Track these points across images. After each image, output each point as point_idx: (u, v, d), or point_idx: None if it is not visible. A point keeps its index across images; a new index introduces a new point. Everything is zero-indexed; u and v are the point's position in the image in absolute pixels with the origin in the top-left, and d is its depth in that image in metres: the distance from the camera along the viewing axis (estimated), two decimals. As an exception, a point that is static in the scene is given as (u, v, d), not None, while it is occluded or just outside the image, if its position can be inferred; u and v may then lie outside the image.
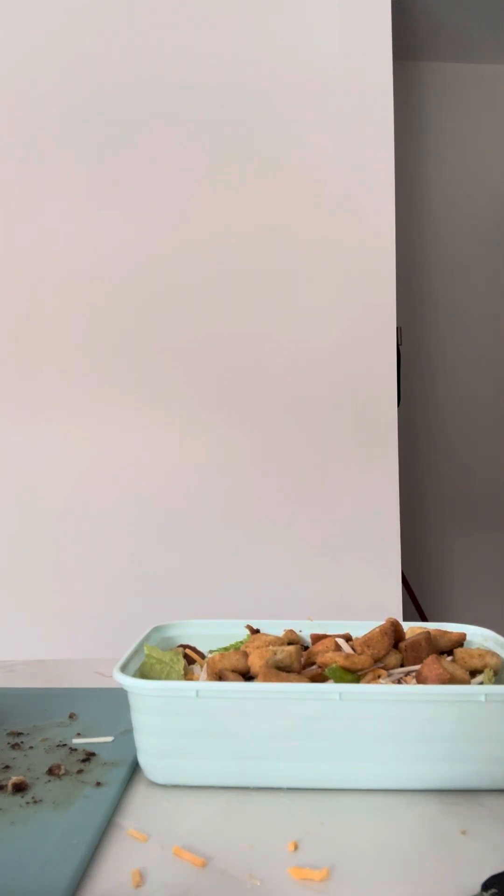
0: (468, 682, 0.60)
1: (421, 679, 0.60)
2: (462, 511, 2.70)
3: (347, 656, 0.61)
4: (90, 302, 1.78)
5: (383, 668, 0.63)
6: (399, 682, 0.61)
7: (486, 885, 0.45)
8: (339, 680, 0.59)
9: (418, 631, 0.68)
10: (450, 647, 0.68)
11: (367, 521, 1.80)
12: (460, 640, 0.69)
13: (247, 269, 1.81)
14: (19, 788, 0.57)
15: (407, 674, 0.62)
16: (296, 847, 0.50)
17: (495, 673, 0.63)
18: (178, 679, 0.63)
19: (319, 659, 0.63)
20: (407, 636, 0.68)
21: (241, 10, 1.82)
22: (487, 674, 0.62)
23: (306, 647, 0.70)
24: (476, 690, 0.55)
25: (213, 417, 1.79)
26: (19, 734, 0.68)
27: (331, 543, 1.79)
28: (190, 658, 0.68)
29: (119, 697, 0.64)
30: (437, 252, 2.69)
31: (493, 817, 0.54)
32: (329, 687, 0.56)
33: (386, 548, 1.80)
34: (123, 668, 0.60)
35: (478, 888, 0.45)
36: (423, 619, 2.47)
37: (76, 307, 1.78)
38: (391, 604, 1.78)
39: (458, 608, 2.66)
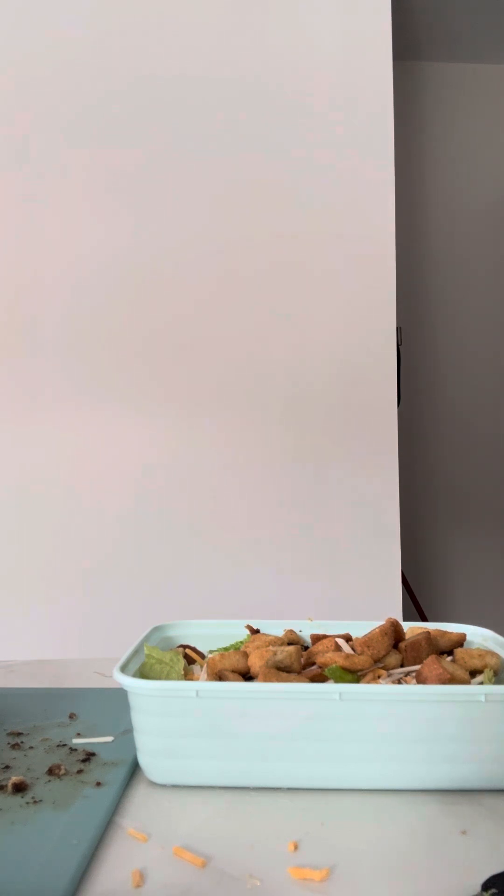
0: (468, 682, 0.60)
1: (421, 679, 0.60)
2: (462, 511, 2.70)
3: (347, 656, 0.61)
4: (90, 303, 1.78)
5: (383, 668, 0.63)
6: (399, 682, 0.61)
7: (487, 885, 0.45)
8: (339, 680, 0.59)
9: (418, 631, 0.68)
10: (450, 648, 0.68)
11: (368, 521, 1.80)
12: (460, 640, 0.69)
13: (247, 270, 1.81)
14: (19, 788, 0.57)
15: (407, 674, 0.62)
16: (296, 847, 0.50)
17: (495, 673, 0.63)
18: (178, 679, 0.63)
19: (319, 659, 0.63)
20: (407, 636, 0.68)
21: (240, 11, 1.82)
22: (487, 674, 0.62)
23: (306, 648, 0.70)
24: (476, 690, 0.55)
25: (214, 417, 1.79)
26: (19, 734, 0.68)
27: (331, 543, 1.79)
28: (190, 658, 0.68)
29: (119, 697, 0.64)
30: (437, 252, 2.69)
31: (493, 817, 0.54)
32: (329, 687, 0.56)
33: (386, 548, 1.80)
34: (123, 668, 0.60)
35: (478, 888, 0.45)
36: (423, 619, 2.47)
37: (76, 308, 1.78)
38: (391, 604, 1.78)
39: (458, 608, 2.66)
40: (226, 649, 0.70)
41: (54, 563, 1.75)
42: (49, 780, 0.58)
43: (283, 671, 0.61)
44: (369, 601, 1.77)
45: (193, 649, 0.70)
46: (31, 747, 0.65)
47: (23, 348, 1.77)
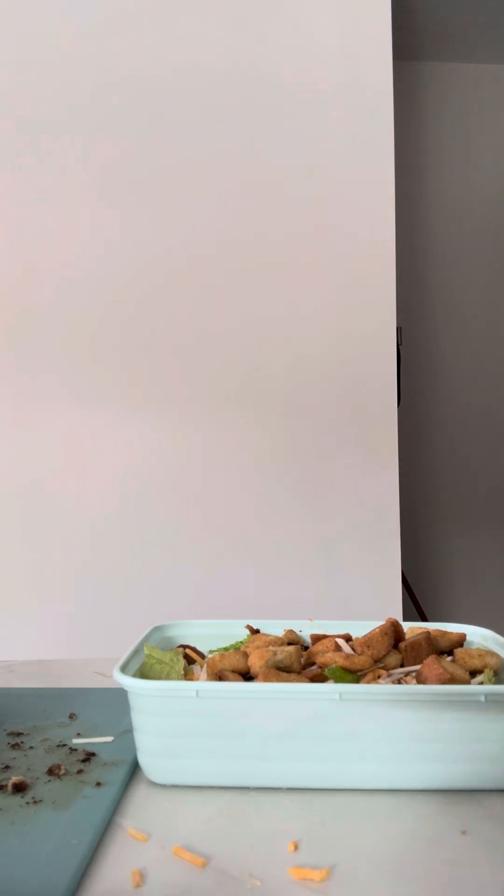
0: (468, 682, 0.60)
1: (421, 679, 0.60)
2: (462, 511, 2.70)
3: (347, 656, 0.61)
4: (89, 301, 1.78)
5: (383, 668, 0.63)
6: (399, 682, 0.61)
7: None
8: (339, 680, 0.59)
9: (418, 631, 0.68)
10: (450, 648, 0.68)
11: (367, 521, 1.80)
12: (460, 641, 0.69)
13: (247, 269, 1.81)
14: (19, 788, 0.57)
15: (407, 674, 0.62)
16: (296, 847, 0.50)
17: (495, 673, 0.63)
18: (178, 679, 0.63)
19: (319, 659, 0.63)
20: (407, 636, 0.68)
21: (241, 11, 1.82)
22: (487, 674, 0.62)
23: (306, 648, 0.70)
24: (476, 690, 0.55)
25: (214, 417, 1.79)
26: (19, 734, 0.68)
27: (331, 543, 1.79)
28: (190, 658, 0.68)
29: (119, 697, 0.64)
30: (437, 252, 2.69)
31: (493, 817, 0.54)
32: (329, 687, 0.56)
33: (386, 548, 1.80)
34: (123, 668, 0.60)
35: (478, 888, 0.45)
36: (423, 619, 2.47)
37: (75, 306, 1.78)
38: (391, 604, 1.78)
39: (458, 608, 2.66)
40: (226, 649, 0.70)
41: (54, 564, 1.75)
42: (49, 780, 0.58)
43: (283, 671, 0.61)
44: (369, 601, 1.77)
45: (193, 649, 0.70)
46: (31, 747, 0.65)
47: (18, 347, 1.77)
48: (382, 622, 0.66)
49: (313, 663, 0.65)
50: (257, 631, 0.73)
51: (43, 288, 1.77)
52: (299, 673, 0.62)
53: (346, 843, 0.50)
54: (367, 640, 0.63)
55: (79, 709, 0.73)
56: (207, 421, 1.79)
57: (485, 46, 2.58)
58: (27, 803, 0.55)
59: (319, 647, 0.66)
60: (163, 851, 0.49)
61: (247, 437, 1.79)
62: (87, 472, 1.77)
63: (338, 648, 0.65)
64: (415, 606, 2.49)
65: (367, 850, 0.50)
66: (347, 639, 0.67)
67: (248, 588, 1.76)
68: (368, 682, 0.60)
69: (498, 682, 0.63)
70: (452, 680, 0.59)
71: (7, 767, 0.61)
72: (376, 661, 0.63)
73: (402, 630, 0.67)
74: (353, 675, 0.60)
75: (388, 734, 0.56)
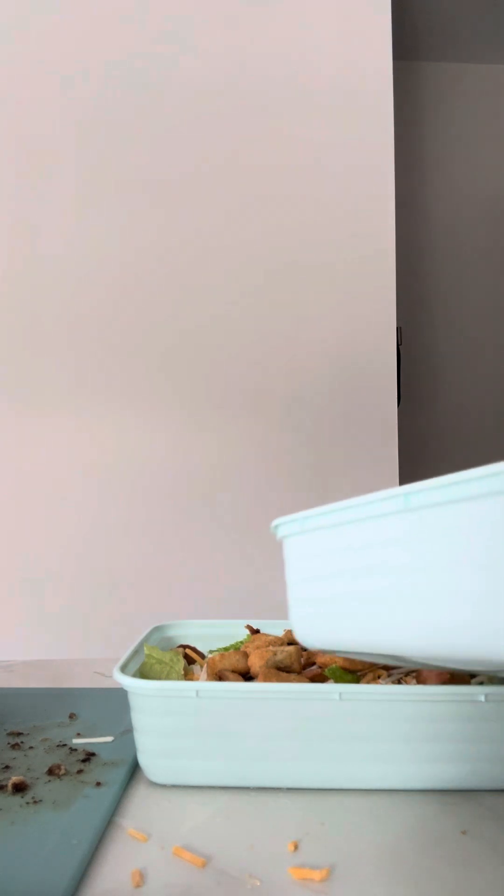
0: (468, 682, 0.60)
1: (421, 679, 0.60)
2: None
3: (347, 656, 0.61)
4: (90, 301, 1.78)
5: (383, 668, 0.63)
6: (399, 682, 0.61)
7: None
8: (339, 680, 0.59)
9: (418, 631, 0.68)
10: (450, 647, 0.68)
11: (367, 521, 1.79)
12: (460, 640, 0.69)
13: (247, 270, 1.81)
14: (19, 788, 0.57)
15: (407, 674, 0.62)
16: (296, 847, 0.50)
17: (495, 673, 0.63)
18: (178, 679, 0.63)
19: (319, 659, 0.63)
20: (407, 636, 0.67)
21: (240, 10, 1.82)
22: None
23: (306, 648, 0.70)
24: (476, 690, 0.55)
25: (214, 417, 1.79)
26: (19, 734, 0.68)
27: (331, 543, 1.79)
28: (190, 658, 0.68)
29: (119, 697, 0.64)
30: (438, 252, 2.69)
31: (493, 817, 0.54)
32: (329, 687, 0.56)
33: (386, 548, 1.79)
34: (123, 668, 0.60)
35: (478, 888, 0.45)
36: (423, 619, 2.46)
37: (75, 305, 1.78)
38: (391, 604, 1.78)
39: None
40: (226, 649, 0.70)
41: (54, 563, 1.75)
42: (49, 780, 0.58)
43: (283, 671, 0.61)
44: (369, 601, 1.76)
45: (193, 649, 0.70)
46: (31, 747, 0.65)
47: (23, 347, 1.77)
48: (382, 622, 0.66)
49: (313, 663, 0.65)
50: (257, 631, 0.73)
51: (41, 287, 1.77)
52: (299, 673, 0.62)
53: (346, 843, 0.50)
54: (367, 640, 0.63)
55: (79, 709, 0.73)
56: (207, 421, 1.79)
57: (485, 46, 2.58)
58: (27, 803, 0.55)
59: (319, 647, 0.66)
60: (163, 851, 0.49)
61: (247, 437, 1.79)
62: (87, 471, 1.77)
63: (338, 648, 0.65)
64: (415, 606, 2.48)
65: (367, 850, 0.49)
66: (347, 639, 0.67)
67: (249, 588, 1.76)
68: (368, 682, 0.60)
69: (498, 682, 0.63)
70: (452, 680, 0.59)
71: (7, 767, 0.61)
72: (376, 661, 0.63)
73: (402, 630, 0.67)
74: (353, 675, 0.60)
75: (388, 734, 0.56)
